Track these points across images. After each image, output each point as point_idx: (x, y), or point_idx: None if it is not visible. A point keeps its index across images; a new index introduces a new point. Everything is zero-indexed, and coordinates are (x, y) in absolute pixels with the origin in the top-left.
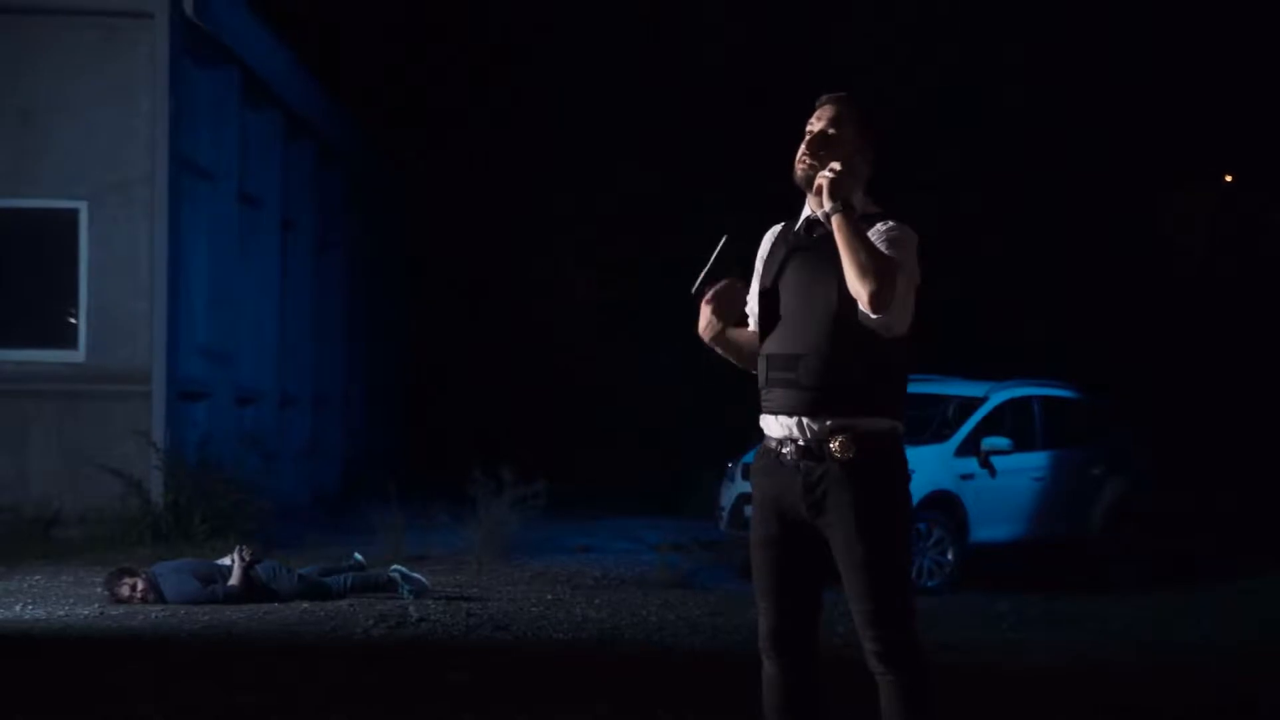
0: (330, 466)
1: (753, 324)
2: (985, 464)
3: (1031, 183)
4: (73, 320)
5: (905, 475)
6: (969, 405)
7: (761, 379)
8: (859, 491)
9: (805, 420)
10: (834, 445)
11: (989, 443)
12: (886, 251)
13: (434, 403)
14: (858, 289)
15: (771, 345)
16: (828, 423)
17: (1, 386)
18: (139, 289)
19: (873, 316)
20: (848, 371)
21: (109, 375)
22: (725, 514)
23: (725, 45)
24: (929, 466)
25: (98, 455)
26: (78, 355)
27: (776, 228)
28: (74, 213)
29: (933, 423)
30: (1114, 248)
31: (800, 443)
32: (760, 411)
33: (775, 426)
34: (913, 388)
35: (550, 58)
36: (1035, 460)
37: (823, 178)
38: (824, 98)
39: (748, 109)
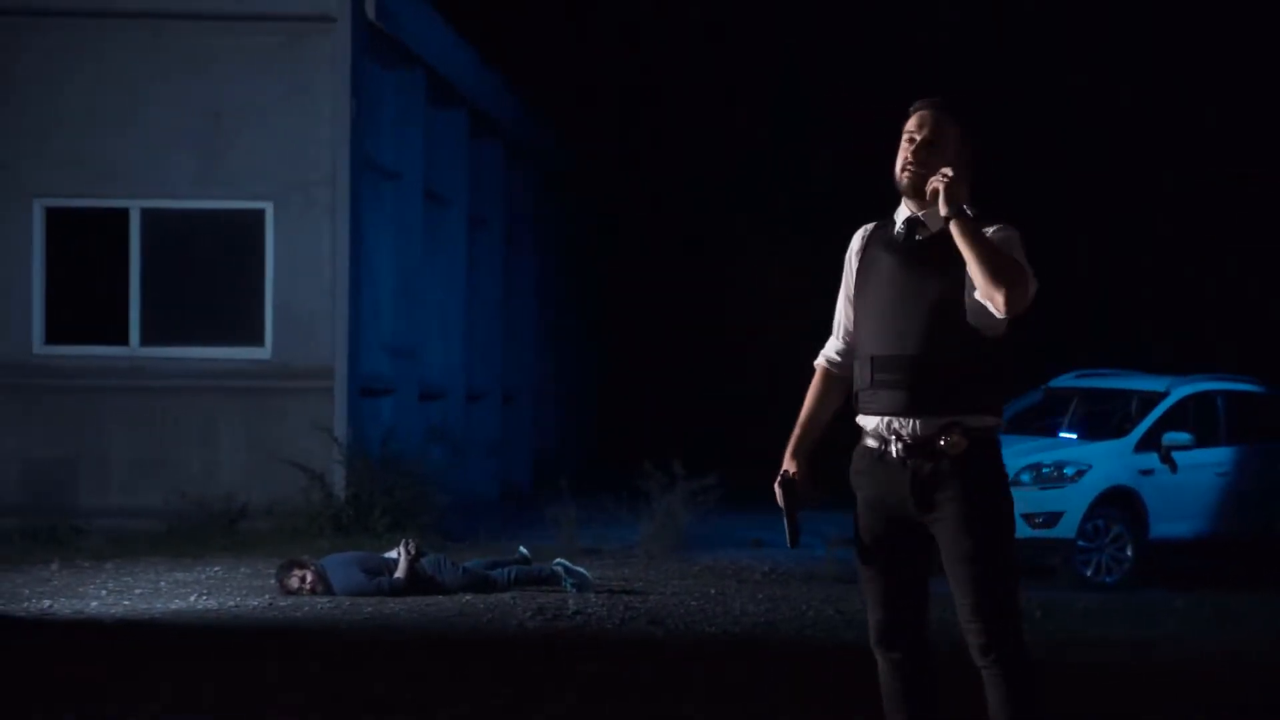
0: (521, 462)
1: (848, 325)
2: (1166, 459)
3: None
4: (259, 318)
5: (1005, 472)
6: (1150, 400)
7: (864, 380)
8: (967, 486)
9: (914, 419)
10: (945, 441)
11: (1170, 438)
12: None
13: (624, 399)
14: (991, 293)
15: (874, 346)
16: (938, 420)
17: (191, 383)
18: (323, 287)
19: (998, 317)
20: (955, 370)
21: (293, 372)
22: None
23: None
24: (1108, 462)
25: (282, 449)
26: (264, 352)
27: (868, 227)
28: (260, 213)
29: (1113, 418)
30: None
31: (909, 441)
32: (859, 413)
33: (880, 426)
34: (1093, 383)
35: (746, 52)
36: (1218, 456)
37: (938, 182)
38: (920, 103)
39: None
